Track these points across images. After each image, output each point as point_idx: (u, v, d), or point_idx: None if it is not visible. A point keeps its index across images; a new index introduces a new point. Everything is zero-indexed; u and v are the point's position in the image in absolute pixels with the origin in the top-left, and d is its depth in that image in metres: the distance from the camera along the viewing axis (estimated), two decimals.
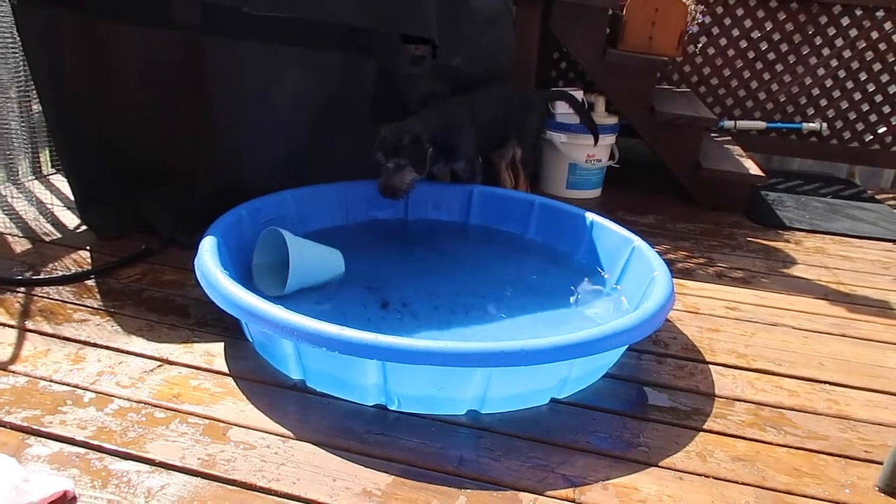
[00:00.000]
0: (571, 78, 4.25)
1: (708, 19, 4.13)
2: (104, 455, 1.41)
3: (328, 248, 2.13)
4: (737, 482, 1.48)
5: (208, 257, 1.83)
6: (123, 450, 1.43)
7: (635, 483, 1.46)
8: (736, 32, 4.16)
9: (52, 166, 3.01)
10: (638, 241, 2.22)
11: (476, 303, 2.11)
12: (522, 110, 2.94)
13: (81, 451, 1.42)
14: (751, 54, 4.19)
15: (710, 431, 1.65)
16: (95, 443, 1.44)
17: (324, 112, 2.49)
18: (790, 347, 2.09)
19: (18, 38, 2.36)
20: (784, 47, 4.15)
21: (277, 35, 2.34)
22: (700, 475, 1.49)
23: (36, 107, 2.72)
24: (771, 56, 4.18)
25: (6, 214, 2.58)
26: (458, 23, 2.69)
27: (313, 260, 2.07)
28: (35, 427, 1.47)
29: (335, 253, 2.13)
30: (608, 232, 2.37)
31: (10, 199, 2.70)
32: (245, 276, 2.06)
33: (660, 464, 1.52)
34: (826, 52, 4.12)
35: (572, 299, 2.21)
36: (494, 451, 1.51)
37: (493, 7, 2.81)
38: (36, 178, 2.93)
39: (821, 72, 4.15)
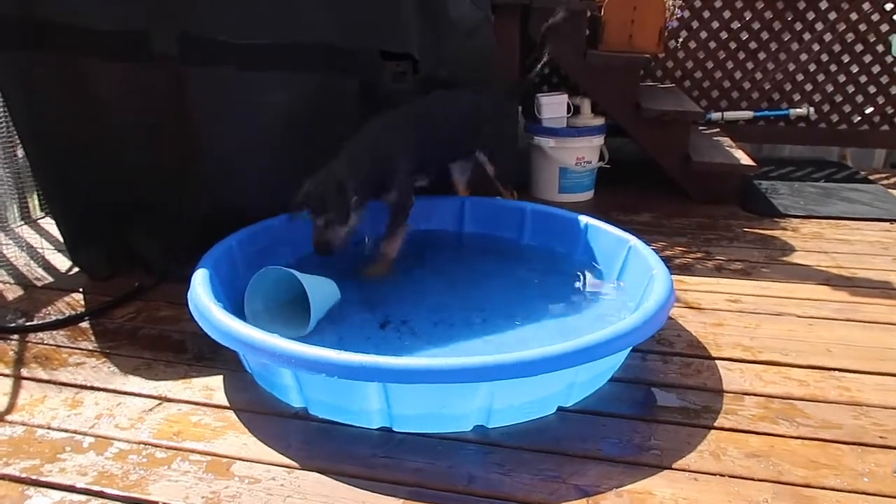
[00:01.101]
0: (555, 82, 4.25)
1: (687, 14, 4.14)
2: (106, 501, 1.39)
3: (324, 279, 2.08)
4: (753, 479, 1.45)
5: (201, 290, 1.81)
6: (126, 494, 1.40)
7: (650, 487, 1.43)
8: (716, 25, 4.17)
9: (41, 210, 2.99)
10: (634, 240, 2.21)
11: (475, 315, 2.08)
12: (486, 119, 2.64)
13: (83, 498, 1.39)
14: (732, 45, 4.19)
15: (722, 428, 1.62)
16: (97, 489, 1.41)
17: (310, 132, 2.48)
18: (796, 336, 2.06)
19: None
20: (765, 36, 4.15)
21: (257, 60, 2.34)
22: (715, 474, 1.47)
23: (20, 152, 2.70)
24: (753, 45, 4.18)
25: None
26: (438, 36, 2.68)
27: (321, 293, 2.02)
28: (34, 477, 1.44)
29: (330, 282, 2.09)
30: (603, 233, 2.35)
31: (0, 247, 2.68)
32: (239, 307, 2.02)
33: (673, 466, 1.49)
34: (807, 37, 4.12)
35: (571, 304, 2.18)
36: (504, 466, 1.48)
37: (472, 17, 2.81)
38: (25, 223, 2.91)
39: (804, 57, 4.16)
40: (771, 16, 4.11)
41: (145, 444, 1.55)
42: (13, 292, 2.35)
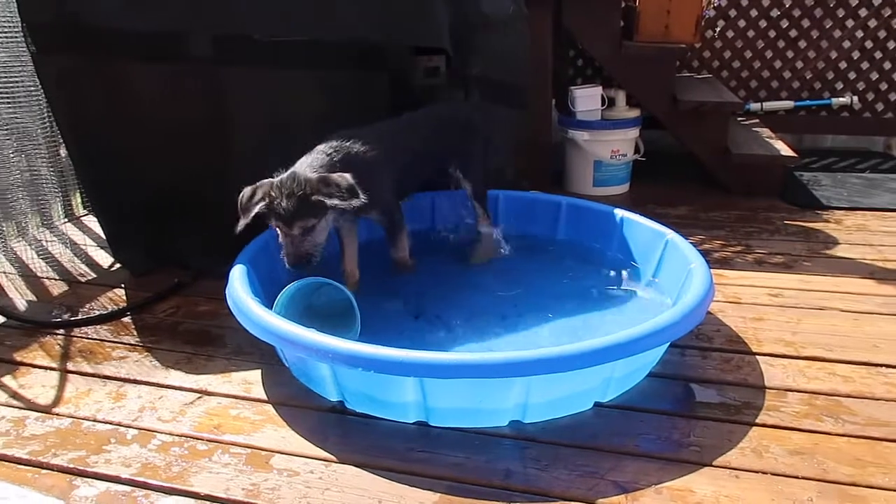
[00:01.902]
0: (589, 74, 4.20)
1: (724, 2, 4.05)
2: (150, 492, 1.42)
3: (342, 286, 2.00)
4: (797, 477, 1.42)
5: (238, 285, 1.83)
6: (168, 485, 1.43)
7: (689, 485, 1.41)
8: (754, 13, 4.08)
9: (84, 207, 3.07)
10: (671, 233, 2.17)
11: (510, 310, 2.07)
12: (463, 136, 2.38)
13: (127, 489, 1.43)
14: (772, 33, 4.10)
15: (764, 425, 1.59)
16: (141, 480, 1.44)
17: (342, 129, 2.49)
18: (840, 331, 2.01)
19: (40, 85, 2.41)
20: (806, 23, 4.04)
21: (290, 59, 2.35)
22: (757, 472, 1.44)
23: (63, 151, 2.77)
24: (793, 33, 4.08)
25: (42, 258, 2.63)
26: (471, 30, 2.67)
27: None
28: (81, 468, 1.48)
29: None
30: (639, 227, 2.32)
31: (45, 243, 2.75)
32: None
33: (713, 463, 1.47)
34: (850, 23, 4.00)
35: (608, 299, 2.16)
36: (541, 461, 1.48)
37: (506, 11, 2.79)
38: (68, 221, 2.99)
39: (846, 44, 4.04)
40: (812, 3, 4.00)
41: (187, 436, 1.58)
42: (58, 288, 2.41)
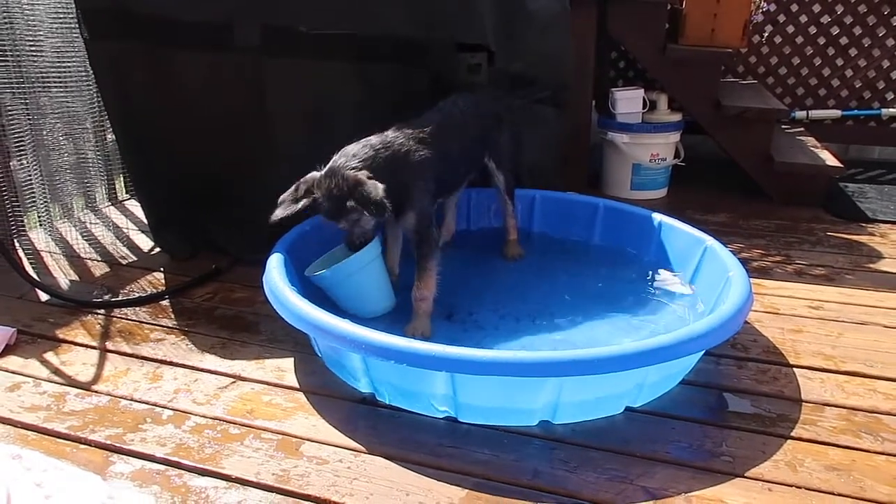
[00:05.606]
0: (631, 77, 4.16)
1: (773, 7, 3.97)
2: (183, 472, 1.44)
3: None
4: (832, 493, 1.39)
5: (275, 274, 1.85)
6: (201, 466, 1.45)
7: (720, 495, 1.39)
8: (804, 19, 3.98)
9: (127, 192, 3.13)
10: (710, 240, 2.14)
11: (543, 310, 2.06)
12: (496, 126, 2.33)
13: (161, 467, 1.46)
14: (821, 40, 4.00)
15: (799, 439, 1.56)
16: (174, 459, 1.47)
17: (384, 123, 2.50)
18: (882, 347, 1.96)
19: (91, 71, 2.47)
20: (857, 31, 3.94)
21: (333, 52, 2.37)
22: (790, 486, 1.41)
23: (110, 136, 2.84)
24: (843, 41, 3.97)
25: (86, 240, 2.70)
26: (515, 28, 2.66)
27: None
28: (118, 445, 1.52)
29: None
30: (678, 232, 2.29)
31: (89, 225, 2.83)
32: (313, 292, 2.06)
33: (746, 474, 1.44)
34: None
35: (642, 304, 2.14)
36: (569, 463, 1.47)
37: (551, 9, 2.77)
38: (112, 204, 3.06)
39: None
40: (865, 10, 3.90)
41: (220, 419, 1.61)
42: (100, 269, 2.47)
